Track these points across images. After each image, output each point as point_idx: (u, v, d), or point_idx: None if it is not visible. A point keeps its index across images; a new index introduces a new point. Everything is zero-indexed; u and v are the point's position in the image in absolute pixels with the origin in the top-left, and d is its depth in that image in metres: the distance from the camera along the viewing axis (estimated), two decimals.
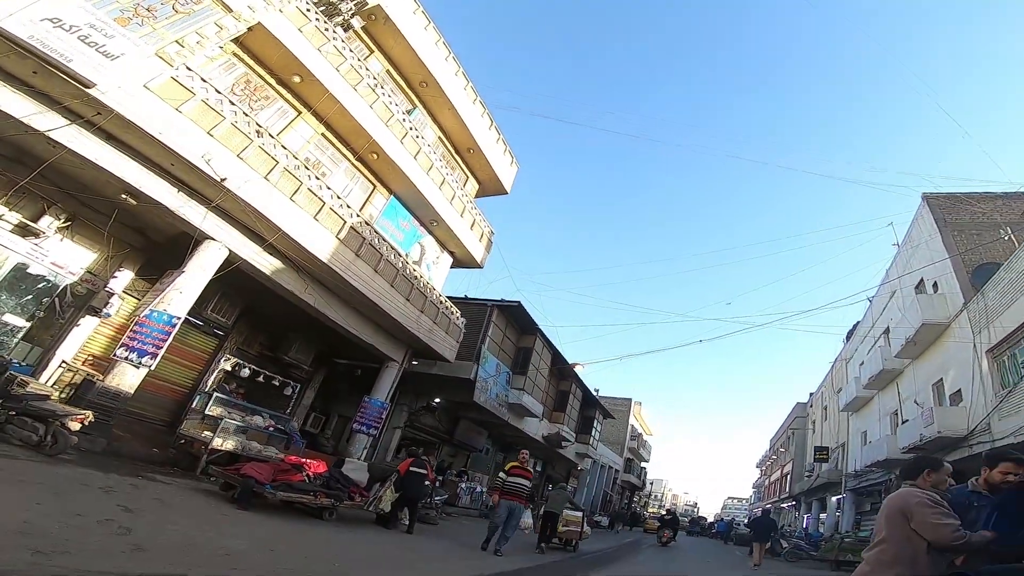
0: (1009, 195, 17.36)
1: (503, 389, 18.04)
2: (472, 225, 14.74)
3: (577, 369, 24.24)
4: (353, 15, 11.87)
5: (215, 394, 8.57)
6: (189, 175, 8.05)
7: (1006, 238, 14.30)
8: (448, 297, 15.15)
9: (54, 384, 9.31)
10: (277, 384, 12.03)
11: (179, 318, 8.15)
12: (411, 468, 8.47)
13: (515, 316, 18.50)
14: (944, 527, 2.62)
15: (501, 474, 8.58)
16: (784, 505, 41.11)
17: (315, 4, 10.54)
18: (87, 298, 9.99)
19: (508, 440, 23.47)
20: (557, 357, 21.78)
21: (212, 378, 9.35)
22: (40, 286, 9.58)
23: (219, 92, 8.32)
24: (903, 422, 17.99)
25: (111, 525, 4.23)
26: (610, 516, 32.73)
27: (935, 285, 16.78)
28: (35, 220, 9.06)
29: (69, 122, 7.11)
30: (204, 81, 8.15)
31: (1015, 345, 12.97)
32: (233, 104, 8.46)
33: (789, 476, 39.02)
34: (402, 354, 13.56)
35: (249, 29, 9.19)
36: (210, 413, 8.29)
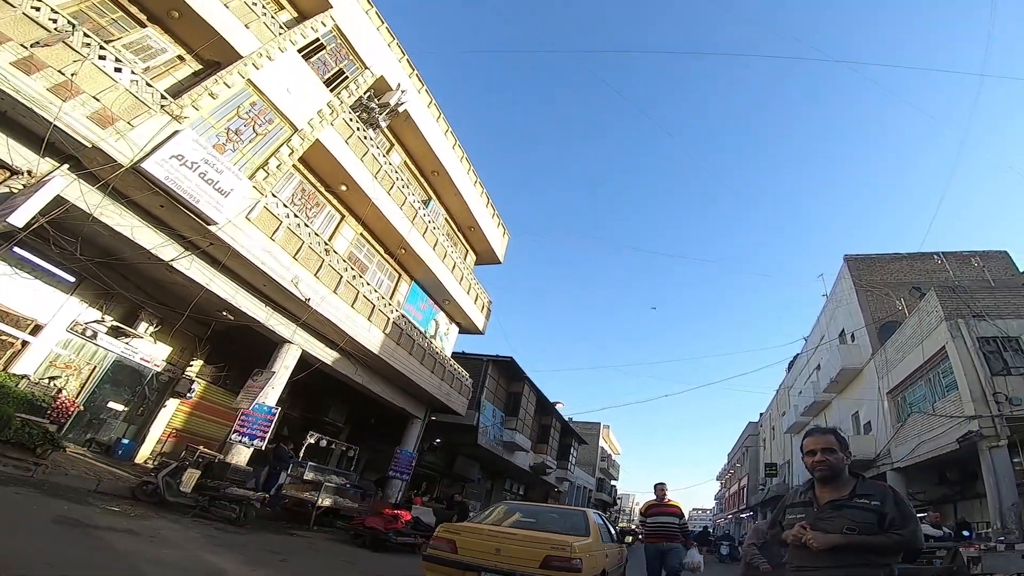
0: (913, 255, 21.43)
1: (499, 431, 20.64)
2: (475, 299, 17.46)
3: (558, 407, 27.14)
4: (382, 114, 14.35)
5: (308, 463, 10.68)
6: (276, 294, 10.34)
7: (900, 306, 18.05)
8: (453, 354, 17.70)
9: (150, 455, 11.34)
10: (341, 448, 13.99)
11: (277, 408, 10.40)
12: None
13: (506, 367, 21.21)
14: None
15: (640, 517, 7.44)
16: (743, 516, 44.79)
17: (353, 110, 13.07)
18: (168, 384, 12.04)
19: (498, 469, 25.93)
20: (541, 398, 24.63)
21: (302, 450, 11.48)
22: (133, 377, 11.58)
23: (297, 216, 10.68)
24: None
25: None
26: None
27: (852, 336, 20.56)
28: (131, 324, 11.09)
29: (190, 253, 9.29)
30: (286, 207, 10.53)
31: (905, 390, 16.64)
32: (307, 226, 10.84)
33: (745, 489, 42.79)
34: (424, 411, 16.03)
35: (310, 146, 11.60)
36: (307, 478, 10.39)
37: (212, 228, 8.65)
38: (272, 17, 10.96)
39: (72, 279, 10.06)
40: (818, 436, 2.61)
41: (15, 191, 7.41)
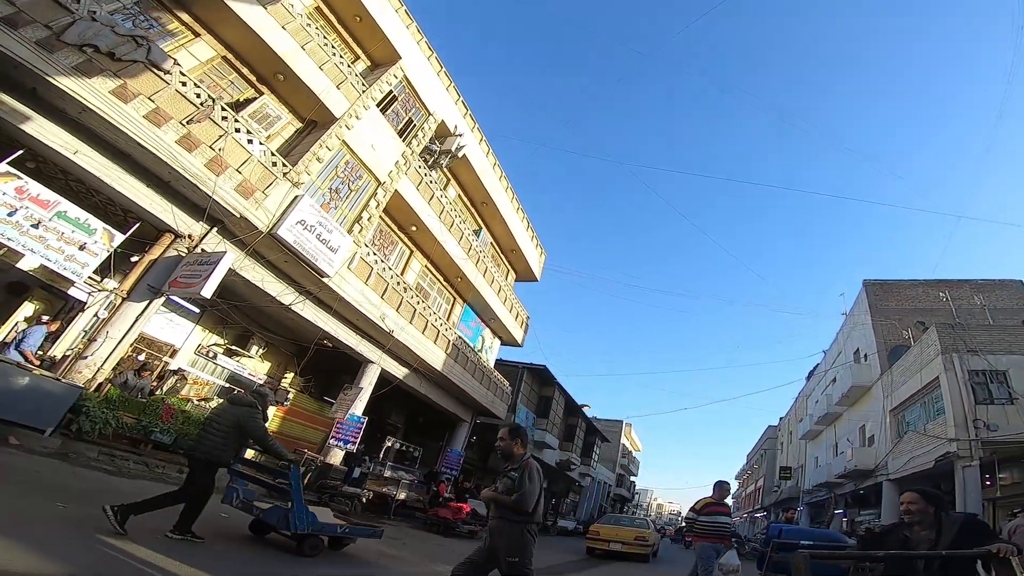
0: (929, 282, 22.57)
1: (530, 430, 22.61)
2: (516, 316, 19.43)
3: (584, 409, 29.08)
4: (444, 159, 16.10)
5: (388, 463, 12.88)
6: (366, 325, 12.39)
7: (907, 335, 19.37)
8: (495, 362, 19.69)
9: (253, 456, 13.51)
10: (410, 449, 16.08)
11: (364, 418, 12.50)
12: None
13: (539, 373, 23.16)
14: None
15: (690, 513, 7.24)
16: (758, 515, 46.36)
17: (423, 159, 14.81)
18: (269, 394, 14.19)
19: None
20: (569, 400, 26.56)
21: (382, 452, 13.67)
22: (239, 388, 13.73)
23: (382, 262, 12.64)
24: (839, 454, 23.16)
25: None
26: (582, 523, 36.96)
27: (865, 356, 21.91)
28: (243, 346, 13.25)
29: (303, 299, 11.35)
30: (374, 255, 12.48)
31: (905, 409, 18.13)
32: (390, 269, 12.81)
33: (761, 489, 44.31)
34: (471, 415, 18.13)
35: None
36: (387, 475, 12.54)
37: (324, 279, 10.60)
38: (351, 67, 12.35)
39: (197, 311, 12.19)
40: (502, 431, 3.59)
41: (182, 254, 9.44)
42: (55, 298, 10.72)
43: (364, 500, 10.59)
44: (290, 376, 14.45)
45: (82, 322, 9.31)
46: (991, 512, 14.16)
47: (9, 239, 7.74)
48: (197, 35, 10.43)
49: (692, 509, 7.03)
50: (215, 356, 12.67)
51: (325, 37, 11.82)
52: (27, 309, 10.64)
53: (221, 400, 7.83)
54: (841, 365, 23.76)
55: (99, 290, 9.41)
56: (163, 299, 9.10)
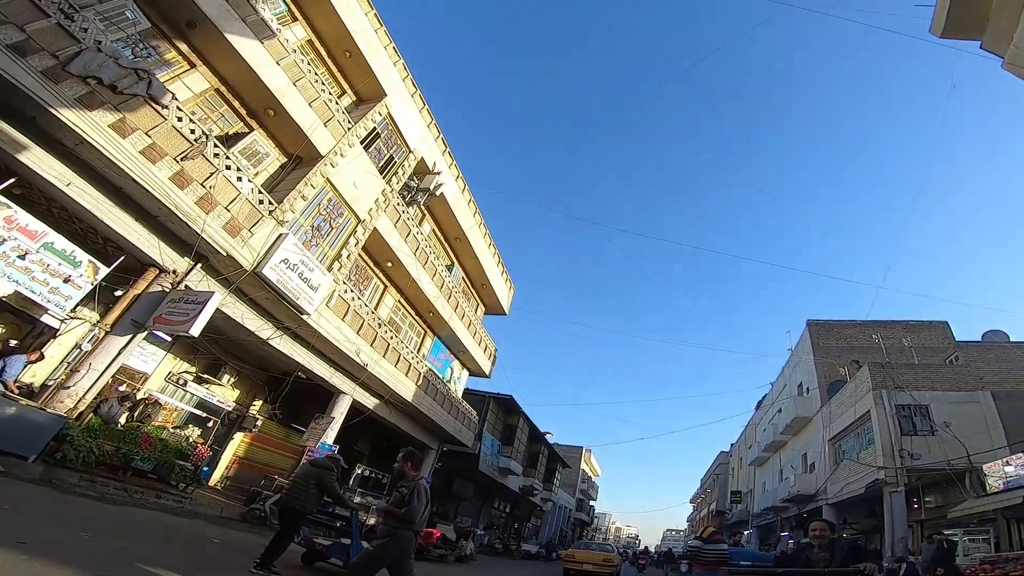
0: (865, 323, 24.71)
1: (495, 458, 23.11)
2: (484, 348, 20.11)
3: (547, 436, 29.78)
4: (422, 197, 16.67)
5: (358, 489, 13.12)
6: (340, 359, 12.74)
7: (843, 372, 21.17)
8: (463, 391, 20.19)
9: (220, 479, 13.50)
10: (377, 476, 16.41)
11: (336, 446, 12.72)
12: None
13: (505, 403, 23.79)
14: None
15: (695, 541, 7.30)
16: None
17: (401, 195, 15.32)
18: (236, 420, 14.24)
19: (490, 490, 28.31)
20: (533, 428, 27.24)
21: (351, 479, 13.90)
22: (209, 414, 13.76)
23: (359, 298, 13.07)
24: (784, 479, 24.68)
25: None
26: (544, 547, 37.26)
27: (807, 389, 23.65)
28: (214, 374, 13.33)
29: (282, 333, 11.66)
30: (351, 292, 12.90)
31: (841, 439, 19.76)
32: (366, 306, 13.25)
33: (713, 514, 45.78)
34: (438, 443, 18.49)
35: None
36: (356, 501, 12.70)
37: (303, 316, 10.97)
38: (338, 103, 12.72)
39: (169, 339, 12.24)
40: (400, 455, 4.54)
41: (165, 289, 9.65)
42: (22, 322, 10.65)
43: (338, 526, 10.82)
44: (259, 404, 14.54)
45: (61, 352, 9.39)
46: (918, 532, 15.68)
47: None
48: (193, 66, 10.61)
49: (698, 538, 7.18)
50: (185, 383, 12.69)
51: (316, 73, 12.21)
52: None
53: (187, 428, 8.03)
54: (786, 398, 25.47)
55: (73, 318, 9.50)
56: (145, 333, 9.27)
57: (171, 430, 10.64)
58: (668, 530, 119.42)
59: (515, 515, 34.40)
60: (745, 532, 34.11)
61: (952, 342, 23.77)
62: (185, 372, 12.72)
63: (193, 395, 12.96)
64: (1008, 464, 13.92)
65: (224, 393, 13.70)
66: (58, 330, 9.95)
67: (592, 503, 61.85)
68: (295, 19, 12.95)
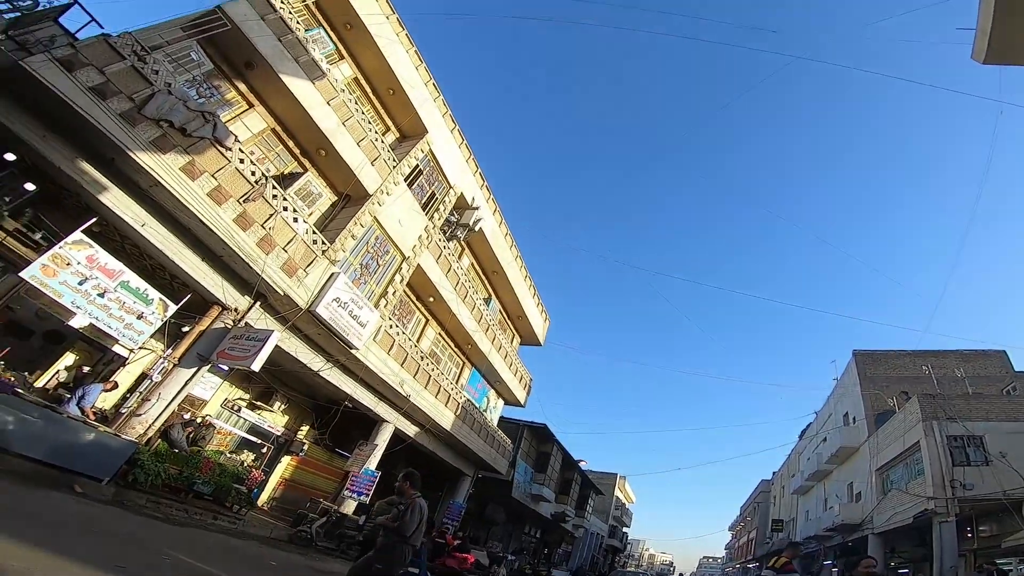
0: (915, 352, 23.76)
1: (528, 485, 23.07)
2: (520, 379, 20.37)
3: (581, 464, 29.55)
4: (462, 233, 17.08)
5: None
6: (384, 389, 13.17)
7: (892, 403, 20.38)
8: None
9: (267, 500, 13.98)
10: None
11: (378, 472, 13.11)
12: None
13: (539, 431, 23.82)
14: None
15: (768, 572, 7.68)
16: (750, 566, 45.90)
17: (442, 230, 15.72)
18: (284, 444, 14.79)
19: (522, 515, 28.15)
20: (566, 455, 27.10)
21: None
22: (261, 438, 14.36)
23: (403, 333, 13.51)
24: (828, 508, 23.75)
25: None
26: (574, 573, 36.36)
27: (853, 419, 22.81)
28: (266, 401, 13.95)
29: (332, 366, 12.14)
30: (396, 327, 13.35)
31: (889, 469, 19.01)
32: (409, 339, 13.67)
33: (754, 541, 44.06)
34: (473, 470, 18.67)
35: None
36: None
37: (352, 351, 11.43)
38: (383, 141, 13.16)
39: (227, 368, 12.91)
40: (400, 475, 4.98)
41: (228, 325, 10.27)
42: (94, 350, 11.47)
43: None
44: (305, 429, 15.08)
45: (130, 381, 10.10)
46: (970, 562, 14.96)
47: (78, 307, 8.29)
48: (251, 106, 11.16)
49: (771, 568, 7.70)
50: (239, 409, 13.34)
51: (363, 112, 12.72)
52: (67, 359, 11.29)
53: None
54: (832, 427, 24.59)
55: (141, 348, 10.19)
56: (209, 366, 9.89)
57: (227, 455, 11.17)
58: (705, 557, 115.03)
59: (546, 540, 33.95)
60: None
61: (1010, 371, 22.61)
62: (239, 399, 13.38)
63: (246, 420, 13.59)
64: None
65: (274, 419, 14.30)
66: (126, 359, 10.74)
67: (625, 529, 60.37)
68: (342, 57, 13.57)
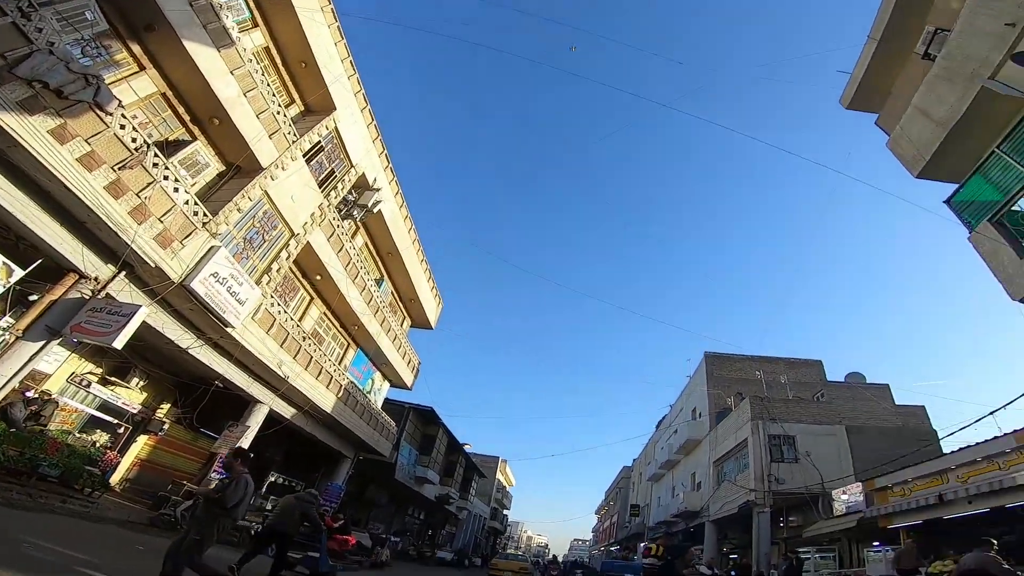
0: (751, 358, 27.89)
1: (412, 467, 23.66)
2: (408, 362, 20.68)
3: (466, 447, 30.71)
4: (359, 213, 16.96)
5: (270, 496, 13.28)
6: (261, 370, 12.88)
7: (729, 403, 24.00)
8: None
9: (119, 482, 13.13)
10: (292, 484, 16.78)
11: (251, 455, 12.74)
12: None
13: (424, 414, 24.43)
14: None
15: (651, 560, 8.80)
16: (613, 548, 50.74)
17: (337, 209, 15.54)
18: (141, 423, 13.88)
19: (405, 497, 28.71)
20: (451, 439, 28.04)
21: (264, 487, 13.98)
22: (113, 416, 13.34)
23: (285, 312, 13.29)
24: (675, 496, 27.33)
25: None
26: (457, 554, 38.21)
27: (700, 414, 26.40)
28: (123, 377, 13.00)
29: (203, 344, 11.70)
30: (278, 304, 13.11)
31: (724, 462, 22.40)
32: (292, 319, 13.47)
33: (616, 524, 48.77)
34: (354, 453, 18.79)
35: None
36: (268, 508, 12.94)
37: (228, 329, 11.09)
38: (285, 115, 12.73)
39: (76, 340, 11.85)
40: (230, 451, 5.79)
41: (85, 296, 9.51)
42: None
43: (253, 533, 11.07)
44: (166, 407, 14.28)
45: None
46: (782, 549, 18.26)
47: None
48: (142, 68, 10.34)
49: (654, 556, 9.20)
50: (88, 385, 12.29)
51: (268, 83, 12.21)
52: None
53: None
54: (682, 421, 28.23)
55: None
56: (59, 340, 9.13)
57: (76, 434, 10.40)
58: (575, 540, 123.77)
59: (429, 522, 34.85)
60: (641, 544, 36.93)
61: (822, 379, 27.51)
62: (90, 373, 12.32)
63: (96, 396, 12.55)
64: (843, 493, 16.61)
65: (130, 395, 13.36)
66: None
67: (506, 512, 63.42)
68: (256, 25, 13.02)
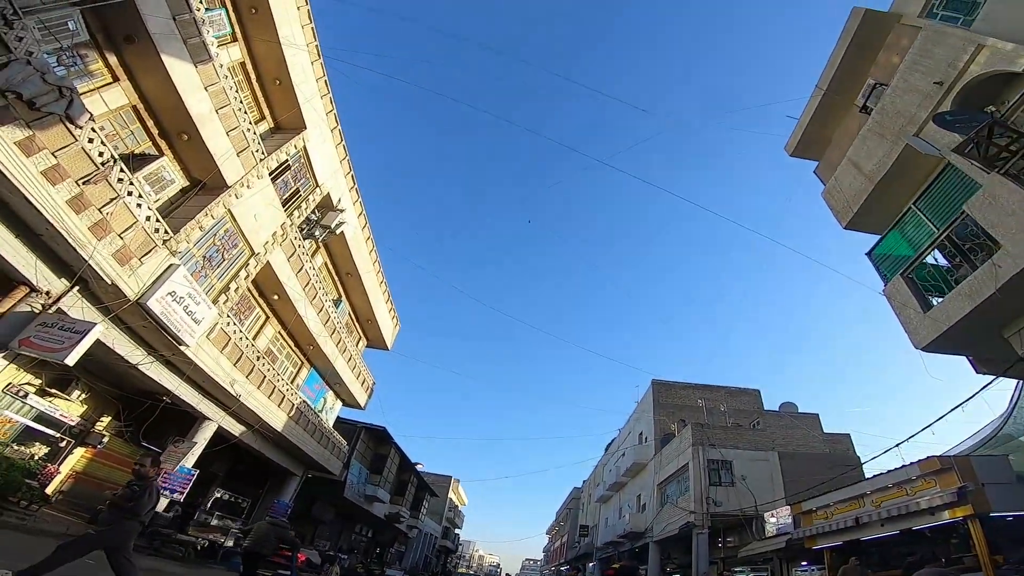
0: (695, 386, 29.39)
1: (363, 485, 23.56)
2: (362, 382, 20.80)
3: (418, 467, 30.69)
4: (322, 233, 17.11)
5: (215, 512, 13.14)
6: (212, 388, 12.84)
7: (673, 428, 25.24)
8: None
9: (52, 493, 12.67)
10: (237, 500, 16.28)
11: (195, 471, 12.64)
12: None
13: (376, 433, 24.48)
14: None
15: None
16: (563, 568, 51.10)
17: (299, 228, 15.62)
18: (81, 436, 13.48)
19: (353, 515, 28.32)
20: (404, 458, 28.06)
21: (210, 502, 13.76)
22: (50, 427, 12.90)
23: (240, 331, 13.34)
24: (622, 517, 28.21)
25: None
26: (408, 572, 37.99)
27: (646, 439, 27.52)
28: (63, 389, 12.66)
29: (154, 360, 11.64)
30: (233, 324, 13.16)
31: (667, 485, 23.46)
32: (246, 338, 13.53)
33: (566, 545, 49.25)
34: (303, 470, 18.62)
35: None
36: (213, 524, 12.80)
37: (182, 348, 11.07)
38: (255, 132, 12.79)
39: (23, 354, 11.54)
40: (145, 460, 5.66)
41: (35, 310, 9.39)
42: None
43: (198, 548, 11.09)
44: (107, 420, 13.91)
45: None
46: (720, 568, 19.19)
47: None
48: (116, 80, 10.33)
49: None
50: (25, 395, 11.91)
51: (241, 101, 12.34)
52: None
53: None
54: (629, 445, 29.32)
55: None
56: (3, 352, 8.99)
57: (12, 446, 10.12)
58: (527, 559, 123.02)
59: (378, 540, 34.29)
60: (589, 564, 37.51)
61: (759, 408, 29.24)
62: (27, 384, 11.95)
63: (32, 407, 12.16)
64: (772, 516, 17.79)
65: (69, 408, 12.98)
66: None
67: (458, 531, 62.79)
68: (234, 40, 13.17)
